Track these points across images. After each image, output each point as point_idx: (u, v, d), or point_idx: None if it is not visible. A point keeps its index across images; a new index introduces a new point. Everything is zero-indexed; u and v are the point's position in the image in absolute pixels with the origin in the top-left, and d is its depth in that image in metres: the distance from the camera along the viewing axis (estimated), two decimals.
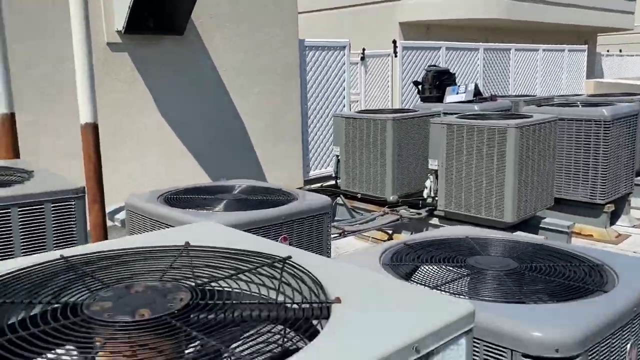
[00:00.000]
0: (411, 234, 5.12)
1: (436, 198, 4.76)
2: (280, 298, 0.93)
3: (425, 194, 4.86)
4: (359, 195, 5.40)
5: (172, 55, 5.35)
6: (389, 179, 5.15)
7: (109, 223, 3.76)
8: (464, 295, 1.50)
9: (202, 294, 0.92)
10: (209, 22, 5.60)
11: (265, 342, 0.81)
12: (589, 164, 4.99)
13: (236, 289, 0.98)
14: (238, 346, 0.78)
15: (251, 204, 2.61)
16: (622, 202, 5.43)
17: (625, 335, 1.41)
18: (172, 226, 2.39)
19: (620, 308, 1.38)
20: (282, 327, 0.85)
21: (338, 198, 5.72)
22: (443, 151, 4.60)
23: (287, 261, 1.07)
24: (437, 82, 6.40)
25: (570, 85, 11.58)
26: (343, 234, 4.31)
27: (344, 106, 7.20)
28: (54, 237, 1.66)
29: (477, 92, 6.20)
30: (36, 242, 1.64)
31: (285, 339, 0.84)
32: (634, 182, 5.48)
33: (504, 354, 1.26)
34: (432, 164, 4.74)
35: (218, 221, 2.34)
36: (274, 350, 0.79)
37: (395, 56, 7.94)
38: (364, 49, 9.72)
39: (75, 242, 1.74)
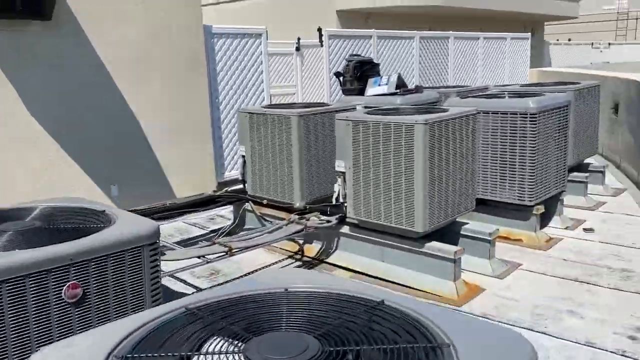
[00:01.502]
0: (322, 245, 4.55)
1: (346, 204, 4.19)
2: None
3: (333, 200, 4.30)
4: (264, 202, 4.79)
5: (42, 43, 4.59)
6: (296, 182, 4.55)
7: None
8: None
9: None
10: (89, 5, 4.85)
11: None
12: (515, 162, 4.51)
13: None
14: None
15: (39, 237, 1.96)
16: (554, 202, 5.00)
17: None
18: None
19: None
20: None
21: (247, 204, 5.10)
22: (349, 151, 4.03)
23: None
24: (358, 73, 5.84)
25: (514, 74, 11.25)
26: (230, 252, 3.69)
27: (263, 99, 6.57)
28: None
29: (400, 84, 5.66)
30: None
31: None
32: (566, 179, 5.05)
33: None
34: (339, 166, 4.16)
35: None
36: None
37: (321, 46, 7.34)
38: (299, 39, 9.08)
39: None
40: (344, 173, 4.14)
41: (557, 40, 22.54)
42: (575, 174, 5.66)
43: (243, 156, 4.96)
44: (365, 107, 5.46)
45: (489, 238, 4.06)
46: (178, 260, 3.57)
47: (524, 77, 11.41)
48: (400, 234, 3.93)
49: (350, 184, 4.10)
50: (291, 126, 4.47)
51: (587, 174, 5.68)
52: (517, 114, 4.46)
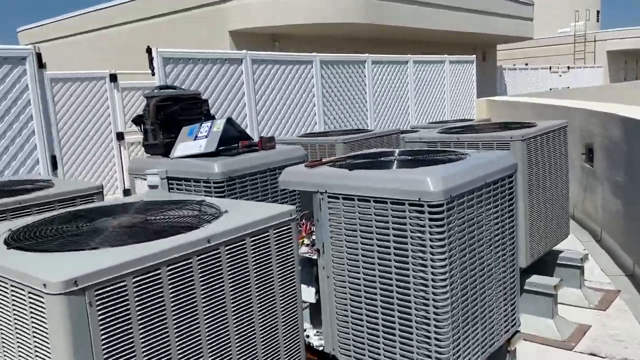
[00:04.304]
0: None
1: None
2: None
3: None
4: None
5: None
6: None
7: None
8: None
9: None
10: None
11: None
12: (409, 297, 2.11)
13: None
14: None
15: None
16: (499, 352, 2.60)
17: None
18: None
19: None
20: None
21: None
22: None
23: None
24: (163, 118, 3.42)
25: (457, 106, 9.05)
26: None
27: (36, 163, 4.07)
28: None
29: (234, 136, 3.26)
30: None
31: None
32: (517, 312, 2.67)
33: None
34: None
35: None
36: None
37: (153, 74, 4.90)
38: None
39: None
40: None
41: (514, 65, 20.82)
42: (534, 278, 3.32)
43: None
44: (171, 180, 3.19)
45: None
46: None
47: (469, 108, 9.23)
48: None
49: None
50: None
51: (556, 281, 3.32)
52: (404, 204, 2.08)
